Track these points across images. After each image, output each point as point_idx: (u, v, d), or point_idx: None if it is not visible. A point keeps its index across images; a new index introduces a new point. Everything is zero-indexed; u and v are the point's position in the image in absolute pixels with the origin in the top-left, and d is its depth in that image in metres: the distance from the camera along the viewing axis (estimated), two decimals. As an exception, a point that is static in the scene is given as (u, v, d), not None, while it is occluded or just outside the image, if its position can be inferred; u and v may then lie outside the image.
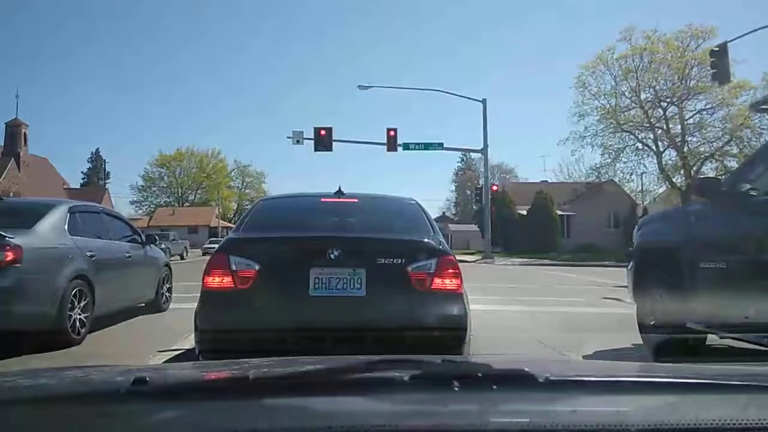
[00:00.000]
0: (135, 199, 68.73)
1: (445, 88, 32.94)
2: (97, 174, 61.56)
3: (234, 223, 7.42)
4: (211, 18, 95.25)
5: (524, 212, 35.30)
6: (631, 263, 5.60)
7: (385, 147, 25.84)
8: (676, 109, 29.78)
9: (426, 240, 3.99)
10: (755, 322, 3.84)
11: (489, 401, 1.00)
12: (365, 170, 74.61)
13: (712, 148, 29.18)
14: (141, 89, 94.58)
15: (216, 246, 4.55)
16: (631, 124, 30.57)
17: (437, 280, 3.76)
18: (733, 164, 27.04)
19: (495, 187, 33.33)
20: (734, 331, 4.24)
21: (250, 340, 3.37)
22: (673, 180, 30.60)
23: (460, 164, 68.34)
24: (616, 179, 33.30)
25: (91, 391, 1.13)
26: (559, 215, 35.47)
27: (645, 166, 31.79)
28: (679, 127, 29.96)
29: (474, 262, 25.50)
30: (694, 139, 29.84)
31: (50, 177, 46.24)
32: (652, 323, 4.91)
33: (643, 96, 30.23)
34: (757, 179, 4.41)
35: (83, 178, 64.02)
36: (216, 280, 3.78)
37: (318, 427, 0.88)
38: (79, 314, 5.66)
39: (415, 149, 27.11)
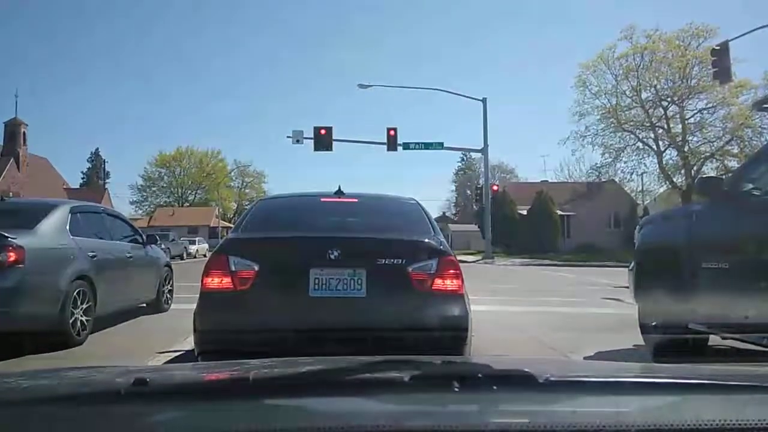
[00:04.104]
0: (135, 199, 68.80)
1: (446, 88, 32.98)
2: (96, 174, 61.49)
3: (234, 223, 7.44)
4: (210, 17, 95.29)
5: (524, 212, 35.29)
6: (633, 263, 5.60)
7: (385, 146, 25.86)
8: (677, 108, 29.78)
9: (427, 240, 3.98)
10: (756, 322, 3.84)
11: (489, 402, 1.01)
12: (365, 170, 74.52)
13: (713, 147, 29.17)
14: (141, 89, 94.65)
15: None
16: (631, 123, 30.57)
17: (438, 281, 3.75)
18: (734, 164, 27.05)
19: (495, 187, 33.35)
20: (735, 332, 4.24)
21: (249, 341, 3.37)
22: (674, 180, 30.60)
23: (460, 164, 68.37)
24: (617, 179, 33.31)
25: (92, 391, 1.13)
26: (560, 215, 35.46)
27: (645, 165, 31.84)
28: (679, 126, 29.96)
29: (474, 262, 25.50)
30: (695, 138, 29.87)
31: (50, 177, 46.21)
32: (653, 324, 4.90)
33: (643, 95, 30.26)
34: (759, 179, 4.41)
35: (83, 178, 64.05)
36: (215, 281, 3.77)
37: (318, 428, 0.88)
38: (81, 315, 5.66)
39: (415, 149, 27.12)
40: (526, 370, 1.06)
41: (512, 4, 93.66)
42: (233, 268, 3.74)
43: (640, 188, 35.28)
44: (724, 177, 11.98)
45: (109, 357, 5.12)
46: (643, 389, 1.12)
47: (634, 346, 5.17)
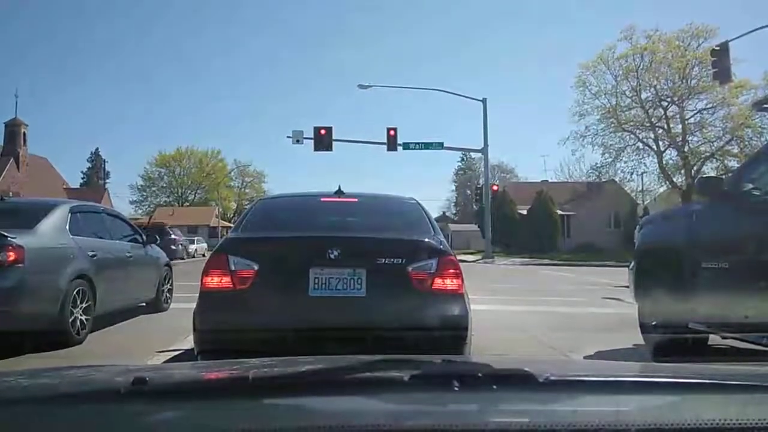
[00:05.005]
0: (135, 198, 68.80)
1: (446, 88, 32.96)
2: (96, 174, 61.50)
3: (233, 223, 7.45)
4: (210, 17, 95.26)
5: (524, 212, 35.29)
6: (633, 263, 5.60)
7: (386, 146, 25.85)
8: (677, 108, 29.78)
9: (427, 240, 3.98)
10: (756, 322, 3.84)
11: (489, 401, 1.00)
12: (365, 170, 74.43)
13: (713, 147, 29.18)
14: (141, 89, 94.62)
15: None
16: (631, 123, 30.57)
17: (438, 280, 3.75)
18: (733, 164, 27.04)
19: (495, 187, 33.33)
20: (735, 332, 4.24)
21: (249, 340, 3.37)
22: (674, 180, 30.60)
23: (460, 164, 68.41)
24: (617, 179, 33.33)
25: (92, 390, 1.13)
26: (560, 215, 35.46)
27: (645, 165, 31.85)
28: (679, 126, 29.96)
29: (474, 261, 25.50)
30: (695, 138, 29.87)
31: (50, 177, 46.20)
32: (653, 323, 4.90)
33: (643, 95, 30.26)
34: (759, 179, 4.41)
35: (83, 178, 64.07)
36: (215, 280, 3.77)
37: (318, 427, 0.88)
38: (81, 314, 5.66)
39: (415, 149, 27.11)
40: (526, 369, 1.06)
41: (512, 4, 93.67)
42: (233, 268, 3.74)
43: (640, 188, 35.34)
44: (724, 177, 11.99)
45: (108, 356, 5.11)
46: (642, 389, 1.12)
47: (634, 345, 5.17)
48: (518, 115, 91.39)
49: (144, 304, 7.75)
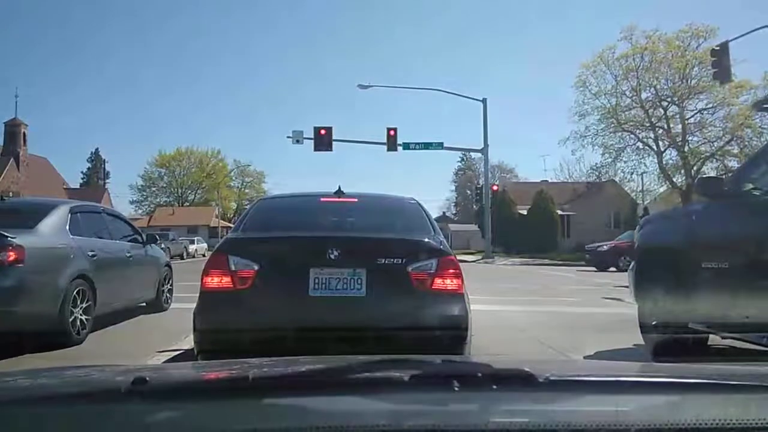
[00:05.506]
0: (135, 198, 68.84)
1: (446, 88, 32.96)
2: (96, 174, 61.57)
3: (233, 223, 7.45)
4: (210, 17, 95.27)
5: (524, 212, 35.28)
6: (633, 263, 5.60)
7: (386, 146, 25.86)
8: (677, 108, 29.75)
9: (426, 240, 3.98)
10: (756, 322, 3.84)
11: (489, 401, 1.00)
12: (365, 170, 74.49)
13: (713, 147, 29.16)
14: (141, 89, 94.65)
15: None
16: (631, 123, 30.54)
17: (438, 280, 3.75)
18: (734, 164, 27.04)
19: (495, 187, 33.36)
20: (735, 332, 4.24)
21: (249, 340, 3.37)
22: (674, 180, 30.58)
23: (460, 164, 68.50)
24: (617, 179, 33.31)
25: (92, 390, 1.13)
26: (560, 215, 35.45)
27: (645, 165, 31.81)
28: (679, 126, 29.93)
29: (474, 261, 25.50)
30: (695, 138, 29.84)
31: (50, 177, 46.24)
32: (653, 323, 4.90)
33: (643, 95, 30.23)
34: (759, 179, 4.41)
35: (83, 178, 64.15)
36: (215, 281, 3.77)
37: (318, 427, 0.88)
38: (81, 314, 5.67)
39: (415, 149, 27.14)
40: (526, 369, 1.06)
41: (512, 4, 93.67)
42: (233, 268, 3.74)
43: (640, 188, 35.28)
44: (724, 177, 12.00)
45: (108, 356, 5.11)
46: (642, 389, 1.12)
47: (634, 345, 5.17)
48: (518, 115, 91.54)
49: (144, 304, 7.75)
